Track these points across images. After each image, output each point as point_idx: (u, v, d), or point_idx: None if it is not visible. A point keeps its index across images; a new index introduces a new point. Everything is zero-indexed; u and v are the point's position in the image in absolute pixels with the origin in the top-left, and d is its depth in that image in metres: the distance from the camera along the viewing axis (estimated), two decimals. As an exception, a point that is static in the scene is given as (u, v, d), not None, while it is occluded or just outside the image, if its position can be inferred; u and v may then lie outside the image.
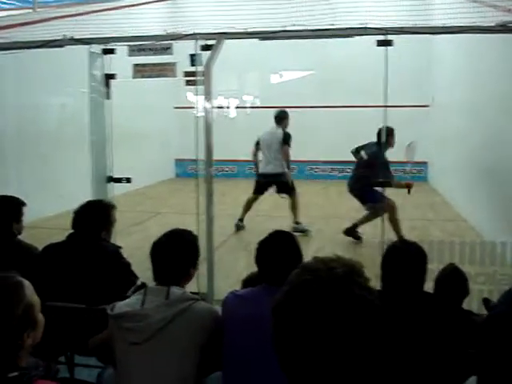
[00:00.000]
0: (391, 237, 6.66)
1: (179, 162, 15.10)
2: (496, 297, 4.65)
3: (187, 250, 2.96)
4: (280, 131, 8.77)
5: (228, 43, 5.71)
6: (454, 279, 3.73)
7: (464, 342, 2.79)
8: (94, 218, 3.98)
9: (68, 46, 6.05)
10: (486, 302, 4.54)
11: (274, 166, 8.75)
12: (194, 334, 2.66)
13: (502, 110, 7.44)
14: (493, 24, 5.35)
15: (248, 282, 3.47)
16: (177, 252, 2.88)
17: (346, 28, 5.52)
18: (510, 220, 6.78)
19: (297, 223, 8.63)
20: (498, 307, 3.62)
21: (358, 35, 5.56)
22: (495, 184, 7.70)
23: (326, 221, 9.37)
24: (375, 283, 2.94)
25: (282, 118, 8.89)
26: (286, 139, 8.73)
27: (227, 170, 14.42)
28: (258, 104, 14.32)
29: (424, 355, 2.69)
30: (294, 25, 5.46)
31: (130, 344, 2.62)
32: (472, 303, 4.39)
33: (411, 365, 2.67)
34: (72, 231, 3.97)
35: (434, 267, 4.00)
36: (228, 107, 14.08)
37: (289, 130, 8.87)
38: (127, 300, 2.81)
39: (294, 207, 8.81)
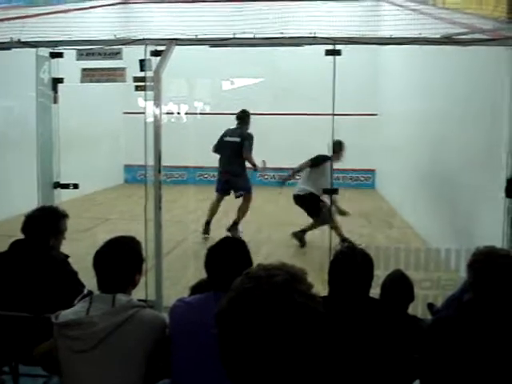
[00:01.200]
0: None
1: (128, 168, 14.92)
2: (440, 302, 4.78)
3: (130, 256, 2.93)
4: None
5: (179, 49, 5.70)
6: (400, 285, 3.81)
7: (409, 347, 2.84)
8: (45, 223, 3.91)
9: (15, 49, 5.95)
10: (430, 306, 4.66)
11: None
12: (140, 342, 2.63)
13: (446, 119, 7.63)
14: (438, 36, 5.51)
15: (196, 288, 3.46)
16: (120, 260, 2.85)
17: (295, 37, 5.60)
18: (454, 227, 6.96)
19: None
20: (440, 312, 3.72)
21: (307, 44, 5.63)
22: (440, 192, 7.89)
23: (276, 228, 9.41)
24: (323, 289, 2.98)
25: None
26: None
27: (177, 176, 14.31)
28: (208, 110, 14.31)
29: (370, 360, 2.73)
30: (244, 32, 5.50)
31: (76, 352, 2.58)
32: (417, 308, 4.49)
33: (357, 370, 2.71)
34: (15, 239, 3.88)
35: (379, 273, 4.08)
36: (178, 113, 14.01)
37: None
38: (72, 308, 2.76)
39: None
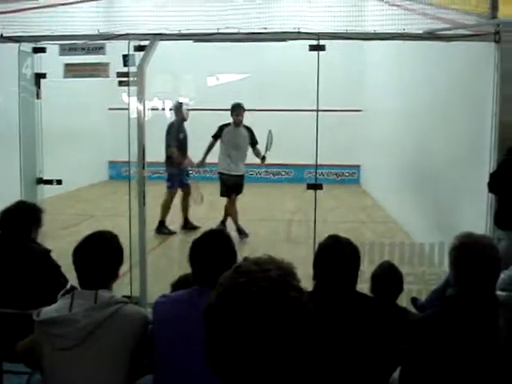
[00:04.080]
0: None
1: (113, 164, 14.84)
2: (424, 296, 4.81)
3: (109, 251, 2.88)
4: (245, 130, 8.77)
5: (163, 44, 5.68)
6: (390, 276, 3.84)
7: (395, 340, 2.84)
8: (25, 217, 3.90)
9: (-3, 44, 5.91)
10: (413, 300, 4.69)
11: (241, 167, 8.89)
12: (123, 338, 2.61)
13: (431, 116, 7.67)
14: (421, 31, 5.54)
15: (177, 285, 3.44)
16: (99, 255, 2.81)
17: (280, 32, 5.60)
18: (438, 222, 6.99)
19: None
20: (425, 306, 3.74)
21: (291, 39, 5.64)
22: (424, 187, 7.93)
23: (261, 223, 9.42)
24: (306, 284, 2.97)
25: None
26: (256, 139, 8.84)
27: (162, 172, 14.25)
28: (193, 106, 14.25)
29: (354, 354, 2.73)
30: (228, 27, 5.48)
31: (59, 350, 2.55)
32: (401, 302, 4.51)
33: (342, 363, 2.71)
34: None
35: (364, 268, 4.09)
36: (163, 109, 13.93)
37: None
38: (54, 305, 2.73)
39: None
